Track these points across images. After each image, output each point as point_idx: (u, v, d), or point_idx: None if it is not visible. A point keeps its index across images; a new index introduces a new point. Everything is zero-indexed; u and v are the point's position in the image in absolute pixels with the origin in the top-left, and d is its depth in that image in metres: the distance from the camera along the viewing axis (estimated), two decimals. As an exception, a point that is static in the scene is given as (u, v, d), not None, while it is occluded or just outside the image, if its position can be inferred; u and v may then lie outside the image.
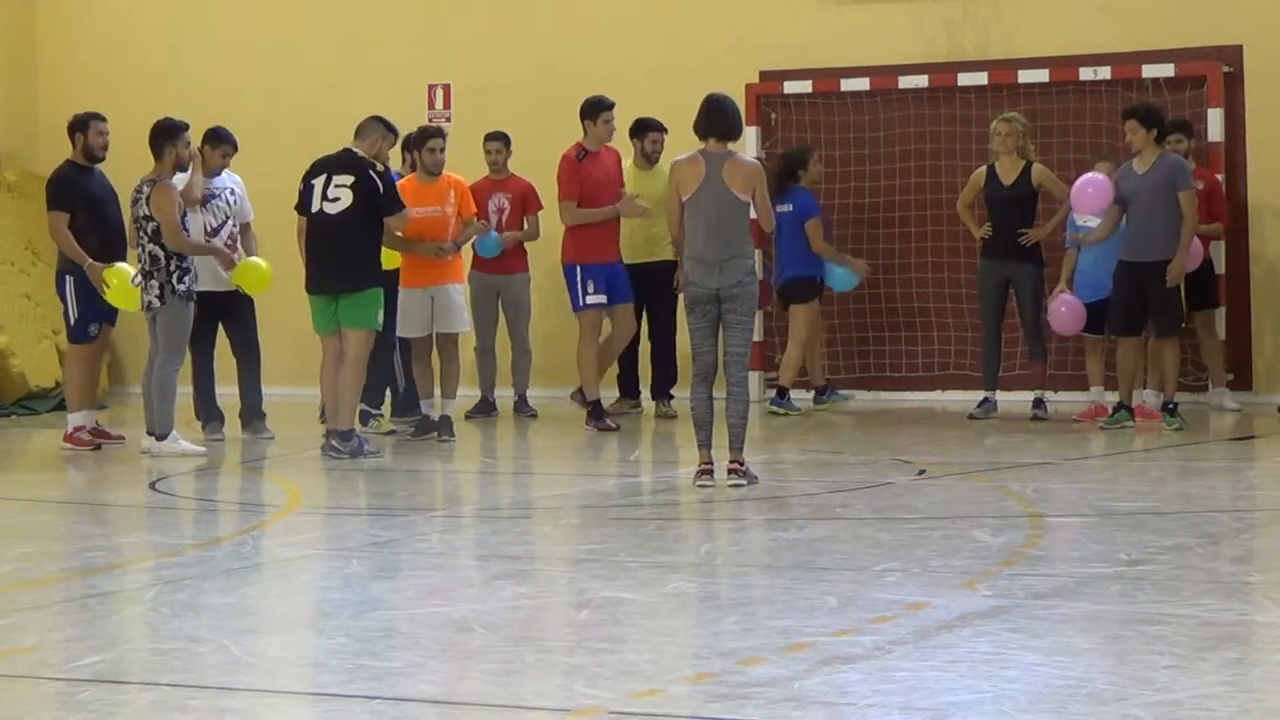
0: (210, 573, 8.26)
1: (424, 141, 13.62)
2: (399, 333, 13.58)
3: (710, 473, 10.50)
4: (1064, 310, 13.85)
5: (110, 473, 12.43)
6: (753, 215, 10.66)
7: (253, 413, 13.90)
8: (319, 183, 12.56)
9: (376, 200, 12.44)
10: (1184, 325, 13.55)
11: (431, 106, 17.40)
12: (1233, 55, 15.42)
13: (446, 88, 17.41)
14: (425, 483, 12.07)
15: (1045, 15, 15.99)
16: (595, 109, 14.16)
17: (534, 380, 15.37)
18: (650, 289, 14.63)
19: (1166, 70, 15.35)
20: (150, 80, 18.62)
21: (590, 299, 13.97)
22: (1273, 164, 14.99)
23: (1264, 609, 7.04)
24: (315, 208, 12.57)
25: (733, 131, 10.65)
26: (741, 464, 10.52)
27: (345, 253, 12.41)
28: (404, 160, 14.21)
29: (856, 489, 10.58)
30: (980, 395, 14.61)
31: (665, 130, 14.77)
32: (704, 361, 10.56)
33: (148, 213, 12.55)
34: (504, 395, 15.20)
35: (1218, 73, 15.25)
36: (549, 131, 15.25)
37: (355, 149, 12.60)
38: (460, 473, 12.42)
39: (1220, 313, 14.78)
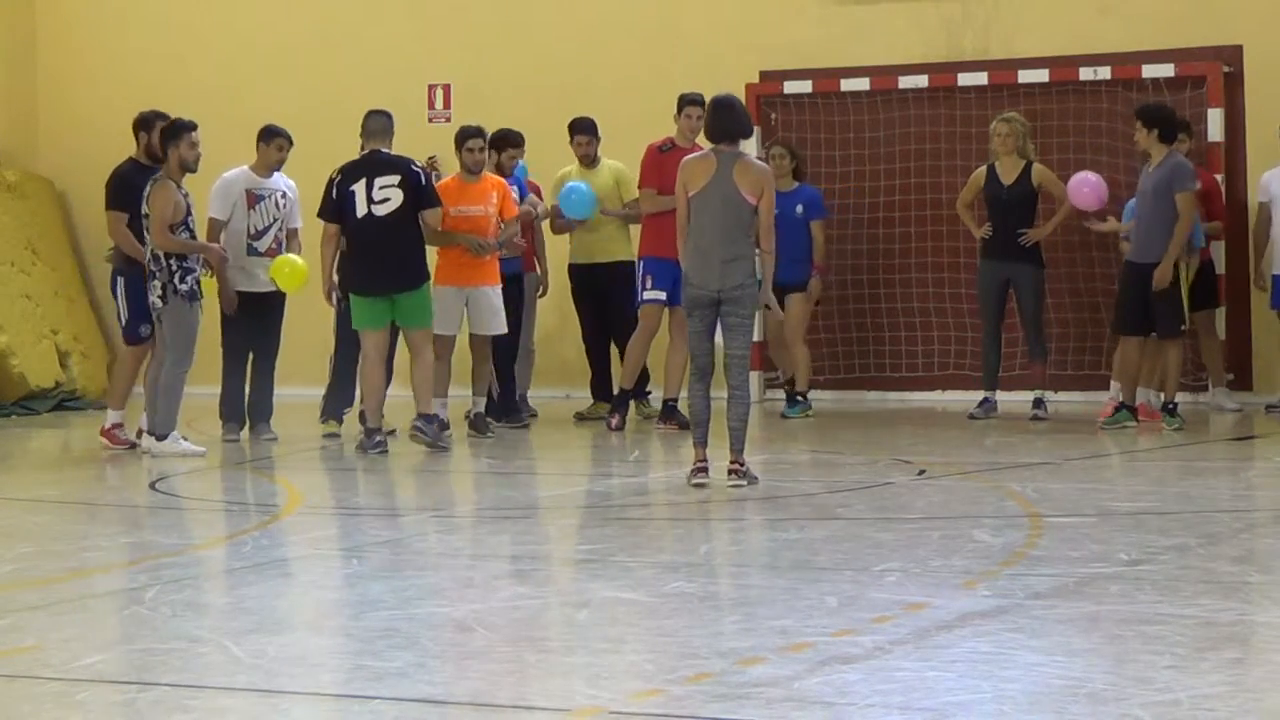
0: (210, 573, 8.26)
1: (463, 141, 13.57)
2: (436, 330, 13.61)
3: (705, 470, 10.47)
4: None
5: (110, 473, 12.44)
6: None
7: (261, 414, 13.88)
8: (360, 187, 12.65)
9: (420, 196, 12.65)
10: (1185, 327, 13.50)
11: (431, 106, 17.41)
12: (1233, 55, 15.42)
13: (446, 88, 17.41)
14: (425, 483, 12.07)
15: (1045, 15, 16.00)
16: (680, 104, 13.98)
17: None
18: (609, 290, 14.59)
19: (1166, 70, 15.35)
20: (150, 80, 18.61)
21: (647, 294, 13.81)
22: (1273, 164, 14.99)
23: (1264, 609, 7.04)
24: (362, 211, 12.65)
25: (743, 131, 10.62)
26: (741, 464, 10.49)
27: (403, 252, 12.66)
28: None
29: (856, 489, 10.58)
30: (980, 395, 14.61)
31: (596, 134, 14.72)
32: (701, 363, 10.56)
33: (147, 210, 12.54)
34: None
35: (1218, 73, 15.25)
36: (549, 131, 15.25)
37: (384, 149, 12.74)
38: (460, 473, 12.41)
39: (1220, 313, 14.78)
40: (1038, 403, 14.30)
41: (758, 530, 9.49)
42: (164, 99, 18.55)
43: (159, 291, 12.50)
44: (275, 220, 13.66)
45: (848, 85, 16.25)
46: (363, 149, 12.97)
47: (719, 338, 10.56)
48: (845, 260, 16.32)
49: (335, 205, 12.76)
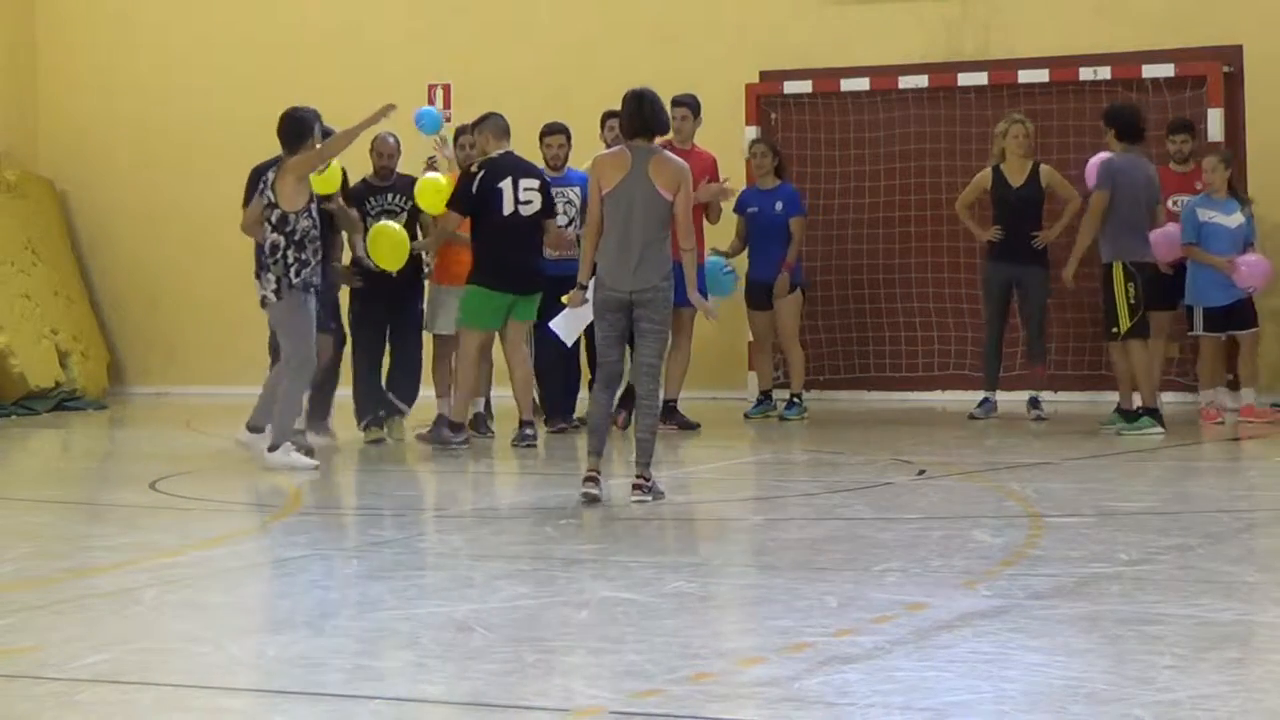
0: (210, 573, 8.25)
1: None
2: (432, 330, 13.71)
3: (595, 480, 9.99)
4: (1245, 269, 13.48)
5: (110, 473, 12.43)
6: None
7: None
8: (507, 186, 12.74)
9: (550, 203, 13.04)
10: (1119, 331, 12.98)
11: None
12: (1233, 55, 15.43)
13: (446, 88, 17.40)
14: (425, 483, 12.07)
15: (1045, 15, 16.00)
16: (669, 106, 13.96)
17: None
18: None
19: (1166, 70, 15.36)
20: (150, 80, 18.63)
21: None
22: (1273, 164, 14.99)
23: (1264, 609, 7.04)
24: (509, 210, 12.75)
25: (659, 126, 10.19)
26: (647, 480, 10.00)
27: (536, 254, 12.94)
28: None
29: (856, 489, 10.57)
30: (980, 395, 14.61)
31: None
32: (609, 371, 10.14)
33: (273, 199, 11.90)
34: (503, 396, 15.16)
35: (1218, 73, 15.25)
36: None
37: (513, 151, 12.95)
38: (460, 473, 12.41)
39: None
40: (1034, 402, 14.29)
41: (758, 530, 9.48)
42: (164, 99, 18.63)
43: (273, 285, 11.77)
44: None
45: (848, 85, 16.25)
46: (482, 148, 12.97)
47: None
48: (845, 260, 16.32)
49: (474, 199, 12.77)
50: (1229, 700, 5.56)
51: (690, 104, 14.13)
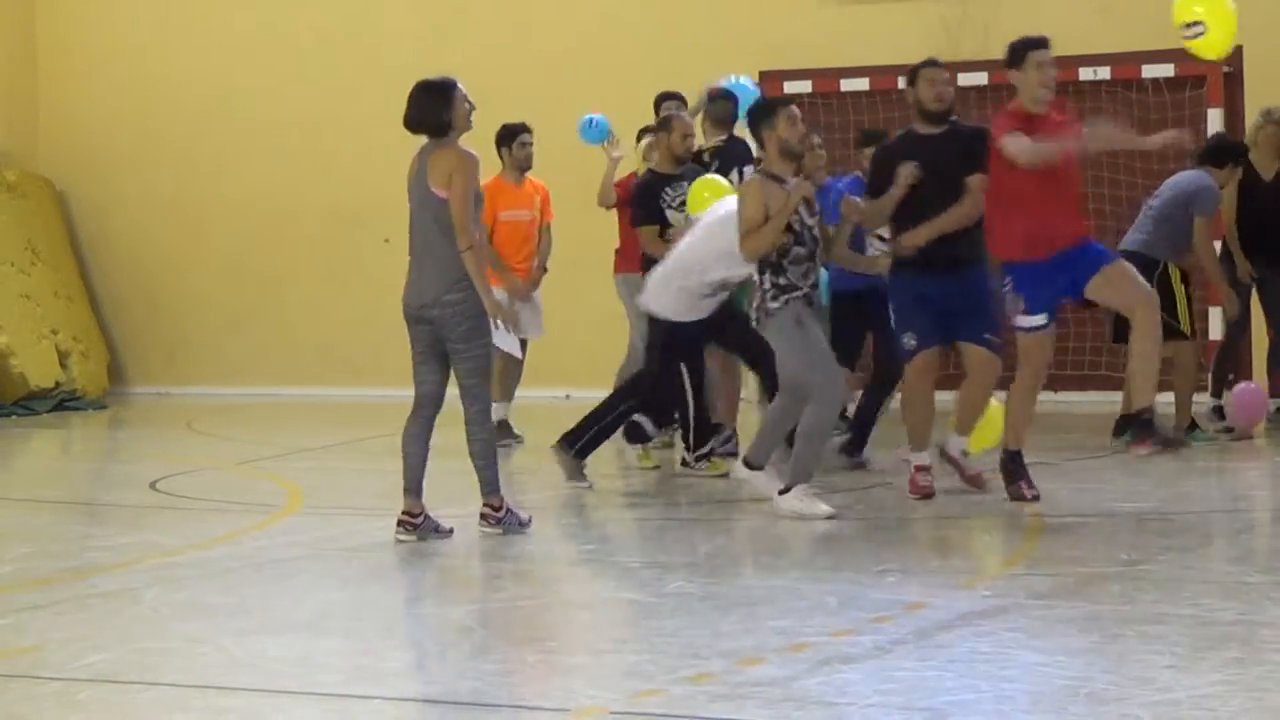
0: (210, 573, 8.26)
1: (514, 136, 12.97)
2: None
3: (410, 525, 8.90)
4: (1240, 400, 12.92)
5: (110, 473, 12.44)
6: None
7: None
8: (735, 176, 11.65)
9: None
10: (1185, 330, 12.81)
11: (431, 106, 17.40)
12: (1233, 55, 15.40)
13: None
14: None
15: (1045, 15, 15.96)
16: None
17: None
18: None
19: (1166, 70, 15.35)
20: (150, 80, 18.63)
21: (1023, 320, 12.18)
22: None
23: (1264, 609, 7.04)
24: None
25: (436, 125, 8.90)
26: (496, 508, 9.02)
27: None
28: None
29: (856, 489, 10.57)
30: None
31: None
32: (420, 392, 8.95)
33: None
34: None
35: (1218, 73, 15.25)
36: (549, 132, 15.24)
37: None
38: (460, 473, 12.41)
39: (1218, 312, 14.75)
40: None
41: (758, 530, 9.48)
42: (164, 99, 18.63)
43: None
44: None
45: (848, 85, 16.24)
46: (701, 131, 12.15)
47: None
48: (845, 260, 16.31)
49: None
50: (1229, 700, 5.56)
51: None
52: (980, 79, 15.85)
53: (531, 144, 13.08)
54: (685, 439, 11.25)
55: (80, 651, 6.54)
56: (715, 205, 10.70)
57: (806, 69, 16.39)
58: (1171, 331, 11.99)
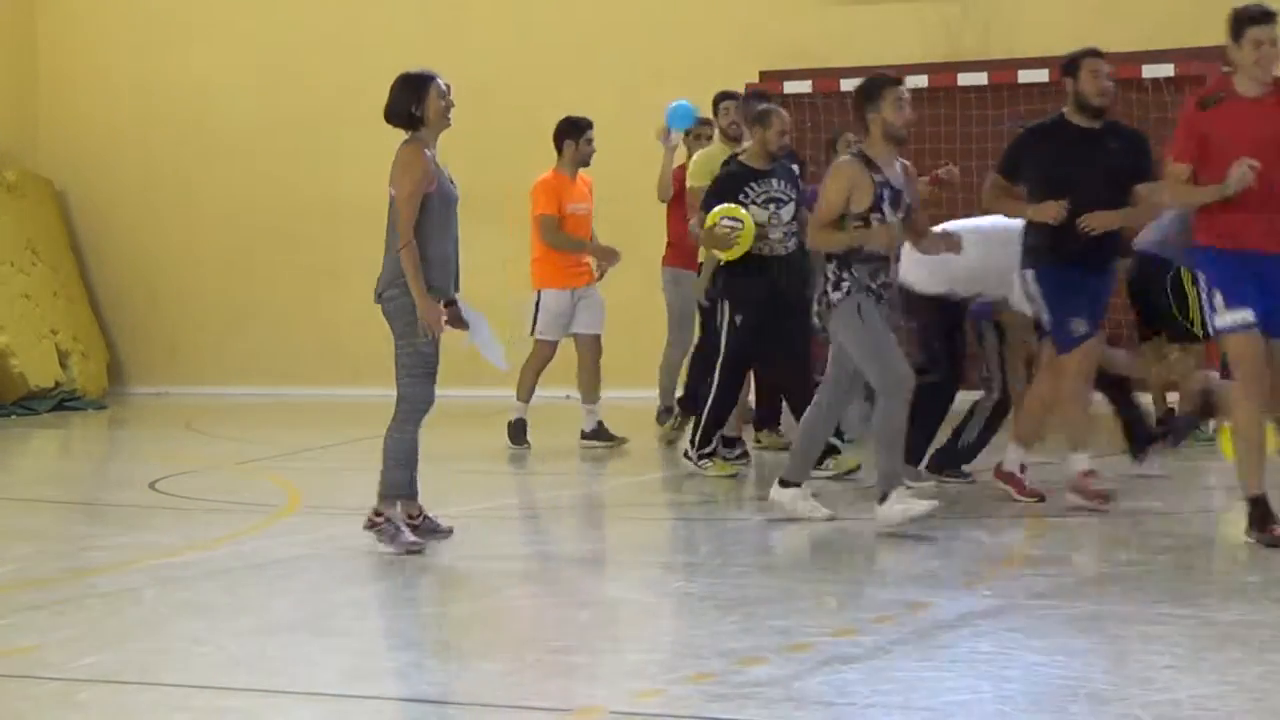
0: (210, 573, 8.26)
1: (581, 132, 13.00)
2: (546, 336, 12.96)
3: (411, 526, 8.73)
4: None
5: (110, 473, 12.43)
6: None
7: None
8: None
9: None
10: (1197, 332, 12.62)
11: (432, 106, 17.42)
12: (1233, 55, 15.41)
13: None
14: (424, 483, 12.04)
15: (1045, 15, 16.00)
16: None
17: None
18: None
19: (1166, 70, 15.36)
20: (150, 80, 18.63)
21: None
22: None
23: (1264, 609, 7.04)
24: None
25: (403, 117, 8.77)
26: (379, 516, 8.64)
27: None
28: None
29: (856, 489, 10.57)
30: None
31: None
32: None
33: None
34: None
35: (1218, 73, 15.24)
36: (549, 132, 15.25)
37: None
38: (460, 473, 12.42)
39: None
40: None
41: (758, 530, 9.48)
42: (164, 99, 18.64)
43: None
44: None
45: (848, 85, 16.19)
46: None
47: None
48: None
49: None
50: (1229, 700, 5.56)
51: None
52: (980, 79, 15.86)
53: (592, 140, 13.07)
54: (693, 433, 11.24)
55: (80, 651, 6.54)
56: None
57: (806, 69, 16.39)
58: (1183, 334, 11.97)
